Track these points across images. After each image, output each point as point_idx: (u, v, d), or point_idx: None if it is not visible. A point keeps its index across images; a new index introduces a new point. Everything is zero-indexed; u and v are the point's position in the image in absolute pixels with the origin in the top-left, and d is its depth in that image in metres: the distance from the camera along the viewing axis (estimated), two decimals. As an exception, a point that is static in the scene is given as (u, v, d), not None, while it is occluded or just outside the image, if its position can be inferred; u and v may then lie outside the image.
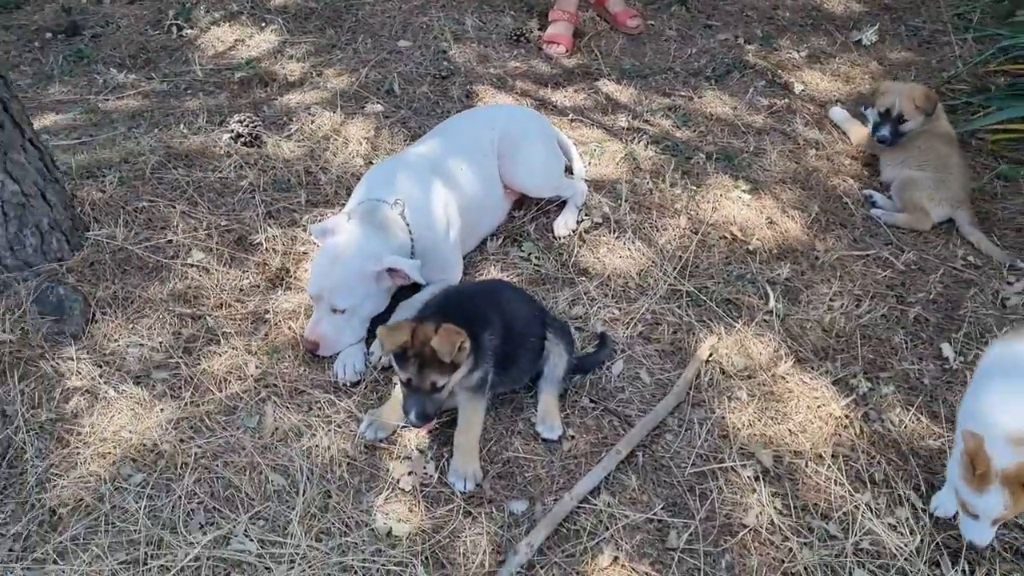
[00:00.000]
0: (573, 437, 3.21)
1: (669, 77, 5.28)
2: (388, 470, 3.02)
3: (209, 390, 3.26)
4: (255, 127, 4.42)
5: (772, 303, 3.73)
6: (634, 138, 4.69)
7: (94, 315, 3.45)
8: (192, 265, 3.73)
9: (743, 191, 4.35)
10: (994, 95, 4.98)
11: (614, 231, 4.08)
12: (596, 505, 2.98)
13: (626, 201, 4.19)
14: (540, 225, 4.12)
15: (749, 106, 5.05)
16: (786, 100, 5.10)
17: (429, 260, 3.55)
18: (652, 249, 3.98)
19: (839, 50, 5.68)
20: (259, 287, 3.72)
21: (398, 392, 3.15)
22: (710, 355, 3.51)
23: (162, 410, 3.16)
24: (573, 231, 4.07)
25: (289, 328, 3.54)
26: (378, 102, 4.86)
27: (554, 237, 4.06)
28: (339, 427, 3.18)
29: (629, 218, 4.14)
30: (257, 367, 3.35)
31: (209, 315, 3.54)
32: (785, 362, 3.49)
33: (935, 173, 4.26)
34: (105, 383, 3.23)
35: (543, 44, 5.46)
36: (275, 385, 3.30)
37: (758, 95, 5.14)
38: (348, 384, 3.35)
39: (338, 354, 3.41)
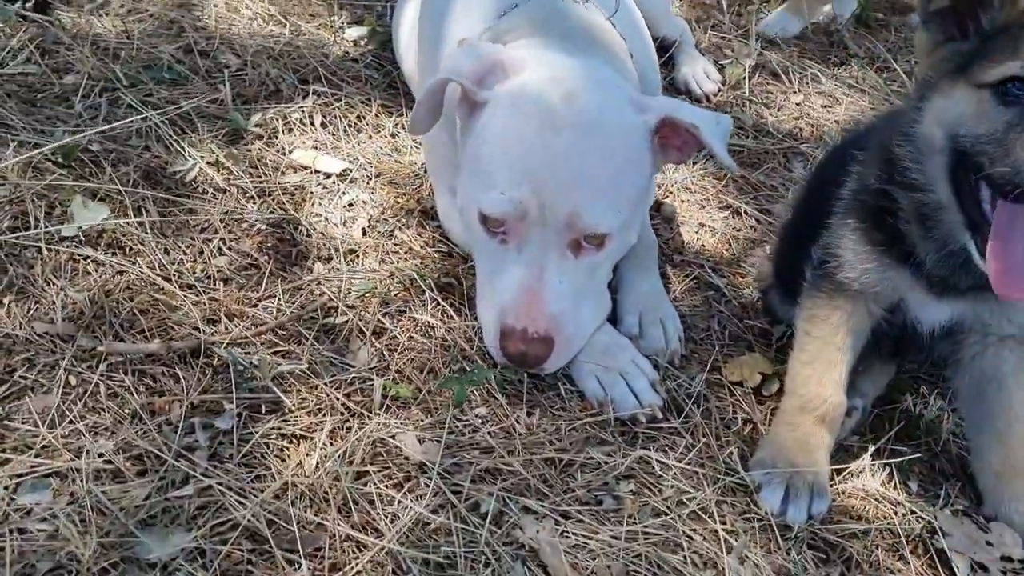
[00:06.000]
0: None
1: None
2: None
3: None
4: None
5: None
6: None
7: None
8: (83, 251, 1.42)
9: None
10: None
11: (781, 72, 2.44)
12: None
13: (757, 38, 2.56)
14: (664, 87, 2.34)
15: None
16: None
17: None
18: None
19: None
20: (257, 265, 1.53)
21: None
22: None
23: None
24: (722, 82, 2.36)
25: (409, 336, 1.44)
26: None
27: (695, 100, 2.32)
28: (733, 507, 1.22)
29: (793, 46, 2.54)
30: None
31: (216, 345, 1.30)
32: None
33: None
34: None
35: None
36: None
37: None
38: (647, 419, 1.37)
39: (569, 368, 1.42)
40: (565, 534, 1.19)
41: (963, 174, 1.18)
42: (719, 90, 2.36)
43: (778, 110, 2.33)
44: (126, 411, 1.22)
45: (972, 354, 1.40)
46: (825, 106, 2.36)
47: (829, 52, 2.61)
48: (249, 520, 1.12)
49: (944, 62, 1.20)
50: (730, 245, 1.86)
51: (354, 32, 2.35)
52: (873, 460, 1.39)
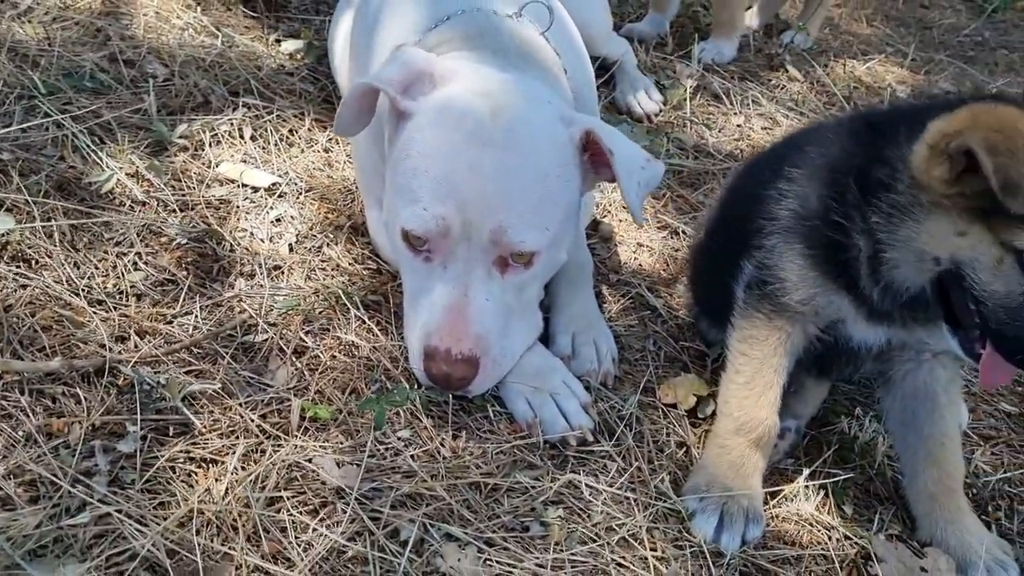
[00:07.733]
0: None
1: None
2: None
3: None
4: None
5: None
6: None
7: None
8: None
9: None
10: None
11: (722, 94, 2.43)
12: None
13: (699, 61, 2.55)
14: (604, 106, 2.33)
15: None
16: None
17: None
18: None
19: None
20: (175, 281, 1.46)
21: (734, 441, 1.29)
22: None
23: None
24: (663, 103, 2.36)
25: (332, 355, 1.38)
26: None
27: (636, 120, 2.31)
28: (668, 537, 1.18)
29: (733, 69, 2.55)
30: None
31: (123, 364, 1.22)
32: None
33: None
34: None
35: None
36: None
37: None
38: (578, 442, 1.33)
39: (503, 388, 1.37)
40: (489, 562, 1.14)
41: (956, 291, 1.15)
42: (660, 111, 2.35)
43: (719, 131, 2.32)
44: (20, 433, 1.15)
45: (904, 371, 1.38)
46: (765, 128, 2.36)
47: (770, 75, 2.62)
48: (149, 550, 1.05)
49: (961, 197, 1.10)
50: (668, 265, 1.84)
51: (290, 45, 2.30)
52: (807, 482, 1.36)
